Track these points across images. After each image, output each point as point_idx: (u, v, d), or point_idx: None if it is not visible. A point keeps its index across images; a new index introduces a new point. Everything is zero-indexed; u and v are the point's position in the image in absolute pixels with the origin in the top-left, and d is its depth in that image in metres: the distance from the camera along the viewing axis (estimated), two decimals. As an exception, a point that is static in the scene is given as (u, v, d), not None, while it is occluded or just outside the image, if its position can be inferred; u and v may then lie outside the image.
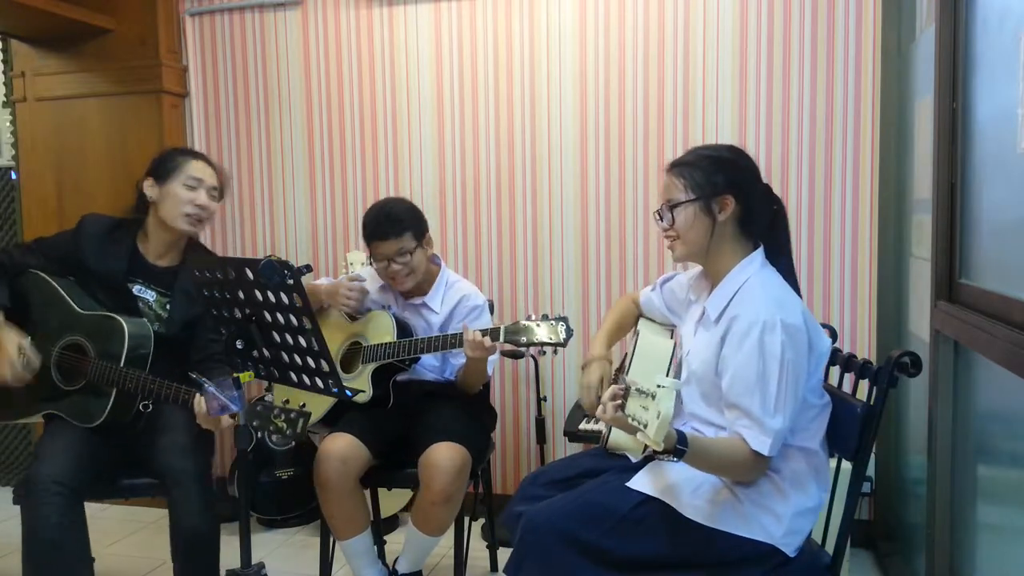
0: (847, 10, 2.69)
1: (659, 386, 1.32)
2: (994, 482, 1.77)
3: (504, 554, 1.79)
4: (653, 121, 2.88)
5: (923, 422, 2.07)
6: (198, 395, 1.99)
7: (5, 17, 3.00)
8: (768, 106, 2.78)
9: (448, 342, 2.20)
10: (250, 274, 1.75)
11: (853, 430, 1.62)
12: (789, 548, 1.59)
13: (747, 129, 2.81)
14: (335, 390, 1.81)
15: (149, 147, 3.07)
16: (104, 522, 3.18)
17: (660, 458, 1.52)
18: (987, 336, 1.55)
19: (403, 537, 2.35)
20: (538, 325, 2.07)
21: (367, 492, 2.48)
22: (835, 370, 1.78)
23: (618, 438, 1.65)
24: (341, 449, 2.21)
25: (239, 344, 1.83)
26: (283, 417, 1.75)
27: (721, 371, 1.63)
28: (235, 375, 1.80)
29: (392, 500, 3.01)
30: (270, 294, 1.75)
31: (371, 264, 2.42)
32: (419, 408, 2.35)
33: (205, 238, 3.26)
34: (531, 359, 2.93)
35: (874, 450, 2.13)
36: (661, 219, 1.74)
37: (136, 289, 2.29)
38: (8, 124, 3.39)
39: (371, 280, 2.49)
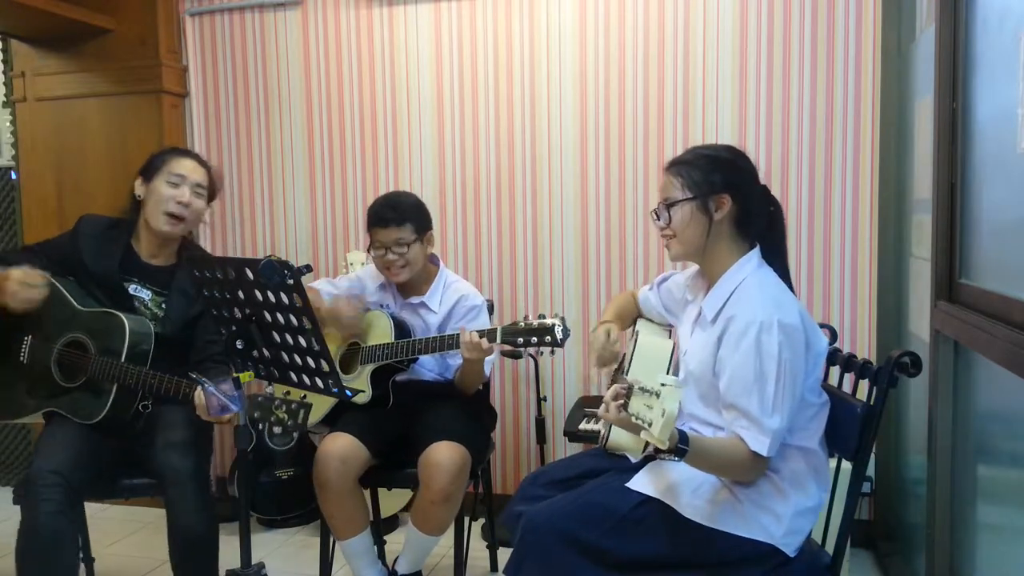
0: (847, 10, 2.69)
1: (663, 384, 1.32)
2: (994, 482, 1.77)
3: (504, 554, 1.79)
4: (653, 121, 2.88)
5: (923, 422, 2.07)
6: (199, 388, 1.98)
7: (5, 17, 3.00)
8: (768, 106, 2.78)
9: (445, 343, 2.20)
10: (250, 274, 1.75)
11: (853, 430, 1.62)
12: (789, 548, 1.59)
13: (747, 129, 2.81)
14: (335, 390, 1.81)
15: (149, 147, 3.06)
16: (104, 522, 3.18)
17: (661, 458, 1.52)
18: (987, 336, 1.55)
19: (403, 537, 2.35)
20: (534, 325, 2.07)
21: (367, 492, 2.48)
22: (835, 370, 1.78)
23: (618, 438, 1.65)
24: (341, 449, 2.21)
25: (239, 344, 1.82)
26: (284, 408, 1.75)
27: (718, 371, 1.63)
28: (235, 375, 1.80)
29: (392, 500, 3.01)
30: (270, 294, 1.75)
31: (369, 257, 2.42)
32: (419, 408, 2.35)
33: (205, 236, 3.28)
34: (531, 359, 2.93)
35: (874, 450, 2.13)
36: (658, 218, 1.74)
37: (132, 288, 2.29)
38: (8, 124, 3.39)
39: (370, 279, 2.49)
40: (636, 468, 1.73)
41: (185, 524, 2.04)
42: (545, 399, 2.99)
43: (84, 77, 3.20)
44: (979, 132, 1.77)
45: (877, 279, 2.74)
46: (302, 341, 1.78)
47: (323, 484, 2.21)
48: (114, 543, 3.03)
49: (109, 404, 2.13)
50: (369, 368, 2.32)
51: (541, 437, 2.95)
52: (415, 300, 2.42)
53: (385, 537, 2.74)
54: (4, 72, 3.41)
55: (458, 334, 2.16)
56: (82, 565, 2.22)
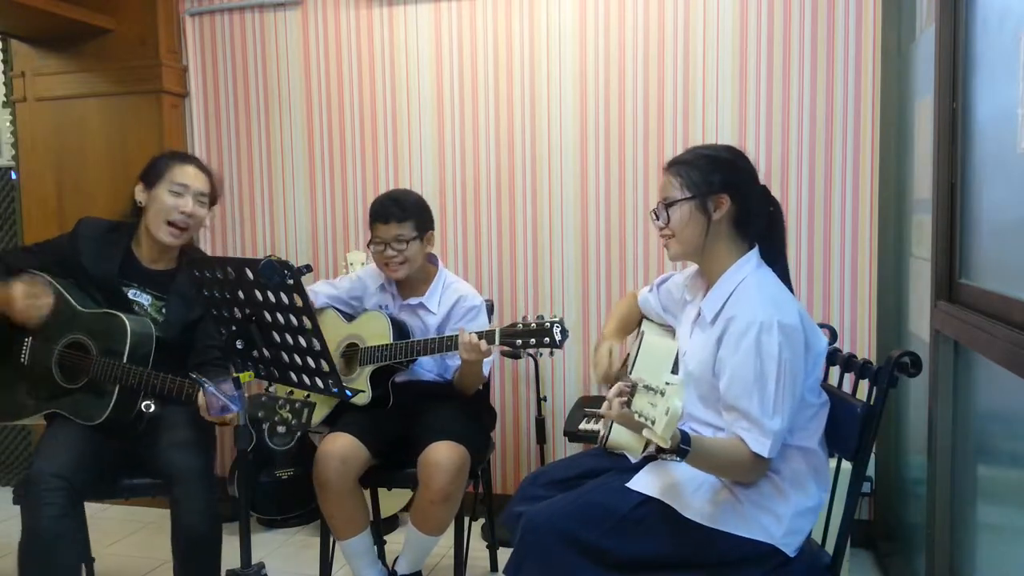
0: (847, 10, 2.69)
1: (668, 383, 1.32)
2: (994, 482, 1.76)
3: (504, 554, 1.79)
4: (653, 121, 2.88)
5: (923, 422, 2.07)
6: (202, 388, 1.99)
7: (5, 17, 3.00)
8: (768, 106, 2.78)
9: (444, 344, 2.20)
10: (250, 274, 1.75)
11: (853, 430, 1.62)
12: (789, 548, 1.59)
13: (747, 129, 2.81)
14: (335, 390, 1.81)
15: (149, 147, 3.07)
16: (104, 522, 3.18)
17: (663, 458, 1.52)
18: (987, 336, 1.55)
19: (403, 537, 2.35)
20: (533, 327, 2.07)
21: (367, 492, 2.48)
22: (835, 370, 1.78)
23: (618, 437, 1.65)
24: (341, 449, 2.21)
25: (239, 344, 1.82)
26: (288, 407, 1.75)
27: (718, 372, 1.63)
28: (235, 375, 1.80)
29: (392, 500, 3.01)
30: (270, 294, 1.75)
31: (369, 257, 2.42)
32: (418, 408, 2.35)
33: (205, 238, 3.28)
34: (531, 359, 2.93)
35: (874, 450, 2.13)
36: (657, 218, 1.74)
37: (131, 293, 2.28)
38: (8, 124, 3.39)
39: (370, 279, 2.50)
40: (636, 468, 1.73)
41: (190, 523, 2.04)
42: (545, 399, 2.99)
43: (84, 77, 3.20)
44: (979, 132, 1.77)
45: (877, 279, 2.74)
46: (302, 341, 1.78)
47: (323, 484, 2.21)
48: (114, 543, 3.03)
49: (111, 405, 2.13)
50: (368, 369, 2.32)
51: (541, 437, 2.95)
52: (414, 301, 2.42)
53: (385, 537, 2.74)
54: (4, 72, 3.41)
55: (457, 336, 2.16)
56: (82, 565, 2.22)
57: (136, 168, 2.36)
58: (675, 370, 1.80)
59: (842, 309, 2.78)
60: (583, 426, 2.55)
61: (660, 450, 1.47)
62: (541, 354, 2.10)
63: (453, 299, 2.41)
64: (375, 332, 2.34)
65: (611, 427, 1.79)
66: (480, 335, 2.14)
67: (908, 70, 2.55)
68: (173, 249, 2.33)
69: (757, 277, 1.67)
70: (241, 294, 1.81)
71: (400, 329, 2.34)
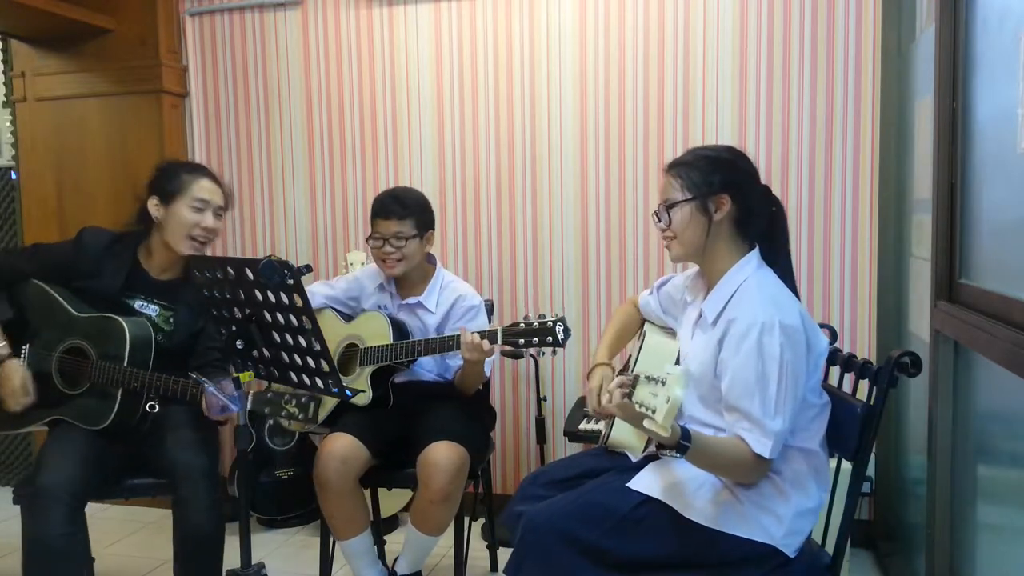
0: (847, 10, 2.69)
1: (669, 373, 1.32)
2: (994, 482, 1.76)
3: (504, 554, 1.79)
4: (653, 121, 2.88)
5: (923, 422, 2.07)
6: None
7: (5, 17, 3.00)
8: (768, 106, 2.78)
9: (445, 344, 2.20)
10: (250, 274, 1.75)
11: (853, 430, 1.62)
12: (789, 548, 1.59)
13: (747, 129, 2.81)
14: (335, 390, 1.81)
15: (149, 147, 3.07)
16: (104, 522, 3.18)
17: (663, 454, 1.51)
18: (987, 336, 1.55)
19: (403, 537, 2.35)
20: (535, 326, 2.07)
21: (367, 492, 2.48)
22: (835, 370, 1.78)
23: (618, 436, 1.65)
24: (341, 449, 2.21)
25: (239, 344, 1.82)
26: (294, 403, 1.75)
27: (720, 373, 1.62)
28: (235, 375, 1.80)
29: (392, 500, 3.01)
30: (270, 294, 1.75)
31: (369, 256, 2.42)
32: (418, 408, 2.35)
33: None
34: (531, 359, 2.93)
35: (874, 450, 2.13)
36: (659, 219, 1.74)
37: (138, 304, 2.25)
38: (8, 124, 3.39)
39: (368, 280, 2.49)
40: (636, 468, 1.73)
41: (195, 523, 2.03)
42: (545, 399, 2.99)
43: (84, 77, 3.20)
44: (979, 132, 1.77)
45: (877, 279, 2.74)
46: (302, 341, 1.78)
47: (323, 484, 2.21)
48: (114, 543, 3.03)
49: (116, 409, 2.11)
50: (369, 369, 2.32)
51: (541, 437, 2.95)
52: (412, 301, 2.42)
53: (385, 537, 2.74)
54: (4, 72, 3.41)
55: (458, 335, 2.16)
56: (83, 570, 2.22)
57: (136, 168, 2.35)
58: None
59: (842, 309, 2.78)
60: (583, 426, 2.55)
61: (660, 447, 1.47)
62: (543, 353, 2.10)
63: (452, 299, 2.41)
64: (375, 332, 2.34)
65: (612, 425, 1.79)
66: (482, 335, 2.13)
67: (908, 70, 2.55)
68: (183, 259, 2.32)
69: (758, 278, 1.67)
70: (241, 294, 1.81)
71: (400, 329, 2.34)
